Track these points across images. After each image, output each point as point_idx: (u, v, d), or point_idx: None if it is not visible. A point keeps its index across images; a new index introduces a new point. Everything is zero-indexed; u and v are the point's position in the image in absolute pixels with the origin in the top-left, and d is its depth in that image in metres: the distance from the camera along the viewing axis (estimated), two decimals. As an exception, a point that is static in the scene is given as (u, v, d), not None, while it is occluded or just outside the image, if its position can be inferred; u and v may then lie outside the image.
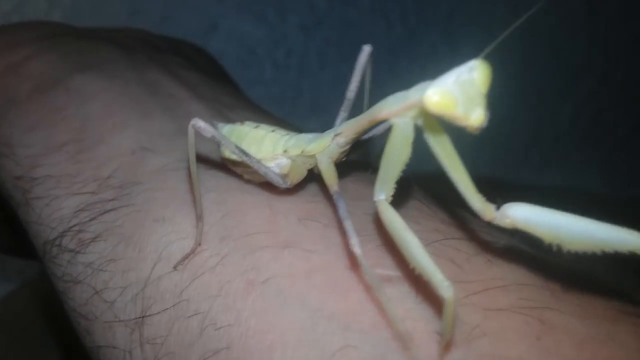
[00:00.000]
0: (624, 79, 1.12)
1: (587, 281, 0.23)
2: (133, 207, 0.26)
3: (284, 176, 0.25)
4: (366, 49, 0.27)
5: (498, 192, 0.73)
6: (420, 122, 0.21)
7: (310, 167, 0.25)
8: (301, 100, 1.05)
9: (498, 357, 0.18)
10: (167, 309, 0.23)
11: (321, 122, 1.03)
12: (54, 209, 0.28)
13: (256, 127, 0.27)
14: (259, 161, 0.24)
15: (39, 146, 0.30)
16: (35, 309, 0.53)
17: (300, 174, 0.25)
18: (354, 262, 0.22)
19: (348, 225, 0.21)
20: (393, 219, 0.20)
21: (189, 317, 0.22)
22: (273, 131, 0.26)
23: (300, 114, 1.05)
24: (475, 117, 0.20)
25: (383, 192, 0.21)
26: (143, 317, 0.23)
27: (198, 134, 0.24)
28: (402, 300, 0.21)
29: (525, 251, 0.25)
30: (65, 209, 0.27)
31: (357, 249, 0.21)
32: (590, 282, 0.23)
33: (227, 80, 0.52)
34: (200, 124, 0.24)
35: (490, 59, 0.20)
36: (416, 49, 1.05)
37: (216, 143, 0.24)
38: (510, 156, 1.11)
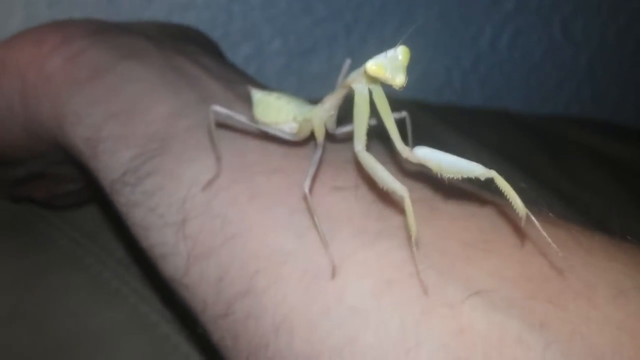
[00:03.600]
0: (540, 2, 1.32)
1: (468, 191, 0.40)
2: (172, 153, 0.41)
3: (294, 134, 0.40)
4: (347, 62, 0.44)
5: (423, 113, 0.91)
6: (370, 87, 0.36)
7: (311, 127, 0.39)
8: (232, 26, 1.17)
9: (403, 227, 0.36)
10: (199, 215, 0.38)
11: (252, 48, 1.17)
12: (117, 157, 0.42)
13: (277, 98, 0.41)
14: (275, 125, 0.40)
15: (101, 116, 0.44)
16: None
17: (305, 133, 0.40)
18: (315, 182, 0.39)
19: (311, 170, 0.36)
20: (368, 159, 0.35)
21: (214, 218, 0.38)
22: (288, 103, 0.41)
23: (232, 39, 1.17)
24: (397, 79, 0.35)
25: (360, 144, 0.35)
26: (184, 221, 0.38)
27: (217, 114, 0.39)
28: (345, 199, 0.37)
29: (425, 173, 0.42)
30: (124, 157, 0.42)
31: (305, 189, 0.35)
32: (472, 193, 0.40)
33: (223, 57, 0.67)
34: (217, 108, 0.39)
35: None
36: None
37: (231, 119, 0.40)
38: (433, 79, 1.30)
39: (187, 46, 0.54)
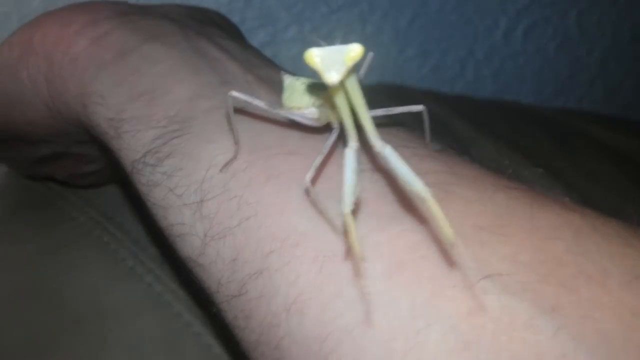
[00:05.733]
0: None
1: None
2: (191, 134, 0.41)
3: (315, 120, 0.39)
4: (370, 55, 0.42)
5: (436, 104, 0.91)
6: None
7: (330, 114, 0.39)
8: (249, 12, 1.17)
9: (417, 209, 0.35)
10: (216, 195, 0.38)
11: (268, 34, 1.17)
12: (138, 138, 0.42)
13: (303, 83, 0.40)
14: (297, 110, 0.40)
15: (124, 96, 0.44)
16: (5, 205, 0.67)
17: (325, 119, 0.39)
18: (332, 165, 0.38)
19: (317, 159, 0.35)
20: (347, 158, 0.33)
21: (230, 199, 0.38)
22: (313, 88, 0.40)
23: (249, 25, 1.17)
24: (327, 76, 0.31)
25: (351, 139, 0.34)
26: (201, 201, 0.38)
27: (235, 99, 0.39)
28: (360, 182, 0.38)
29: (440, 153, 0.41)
30: (146, 138, 0.42)
31: (306, 180, 0.34)
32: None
33: (244, 40, 0.67)
34: (235, 93, 0.38)
35: None
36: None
37: (250, 105, 0.39)
38: (447, 70, 1.29)
39: (209, 28, 0.55)
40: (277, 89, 0.46)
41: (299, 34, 1.19)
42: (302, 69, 1.12)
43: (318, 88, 0.41)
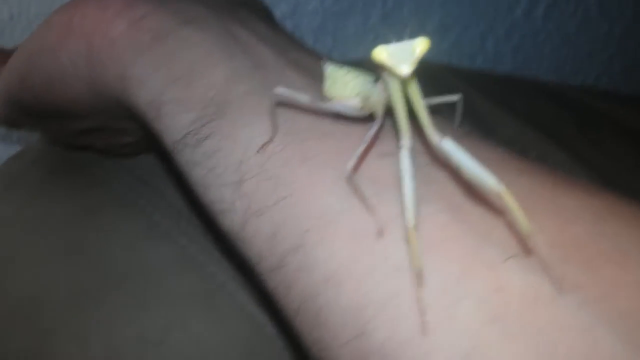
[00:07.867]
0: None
1: None
2: (228, 117, 0.42)
3: (358, 110, 0.40)
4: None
5: (456, 78, 0.91)
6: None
7: (372, 104, 0.40)
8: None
9: (447, 192, 0.36)
10: (254, 175, 0.40)
11: (289, 6, 1.18)
12: (178, 120, 0.44)
13: (346, 73, 0.41)
14: (339, 99, 0.41)
15: (162, 80, 0.45)
16: (42, 169, 0.68)
17: (367, 110, 0.40)
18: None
19: (360, 148, 0.36)
20: (404, 162, 0.34)
21: (268, 179, 0.40)
22: (355, 78, 0.41)
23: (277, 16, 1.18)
24: (400, 68, 0.33)
25: (404, 138, 0.35)
26: (240, 181, 0.40)
27: (279, 95, 0.40)
28: (391, 165, 0.38)
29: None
30: (185, 120, 0.44)
31: (347, 169, 0.36)
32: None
33: (275, 21, 0.68)
34: (280, 90, 0.39)
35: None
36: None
37: (294, 102, 0.41)
38: (467, 45, 1.30)
39: (241, 12, 0.56)
40: (307, 72, 0.47)
41: (320, 5, 1.20)
42: (323, 41, 1.13)
43: (369, 80, 0.42)
